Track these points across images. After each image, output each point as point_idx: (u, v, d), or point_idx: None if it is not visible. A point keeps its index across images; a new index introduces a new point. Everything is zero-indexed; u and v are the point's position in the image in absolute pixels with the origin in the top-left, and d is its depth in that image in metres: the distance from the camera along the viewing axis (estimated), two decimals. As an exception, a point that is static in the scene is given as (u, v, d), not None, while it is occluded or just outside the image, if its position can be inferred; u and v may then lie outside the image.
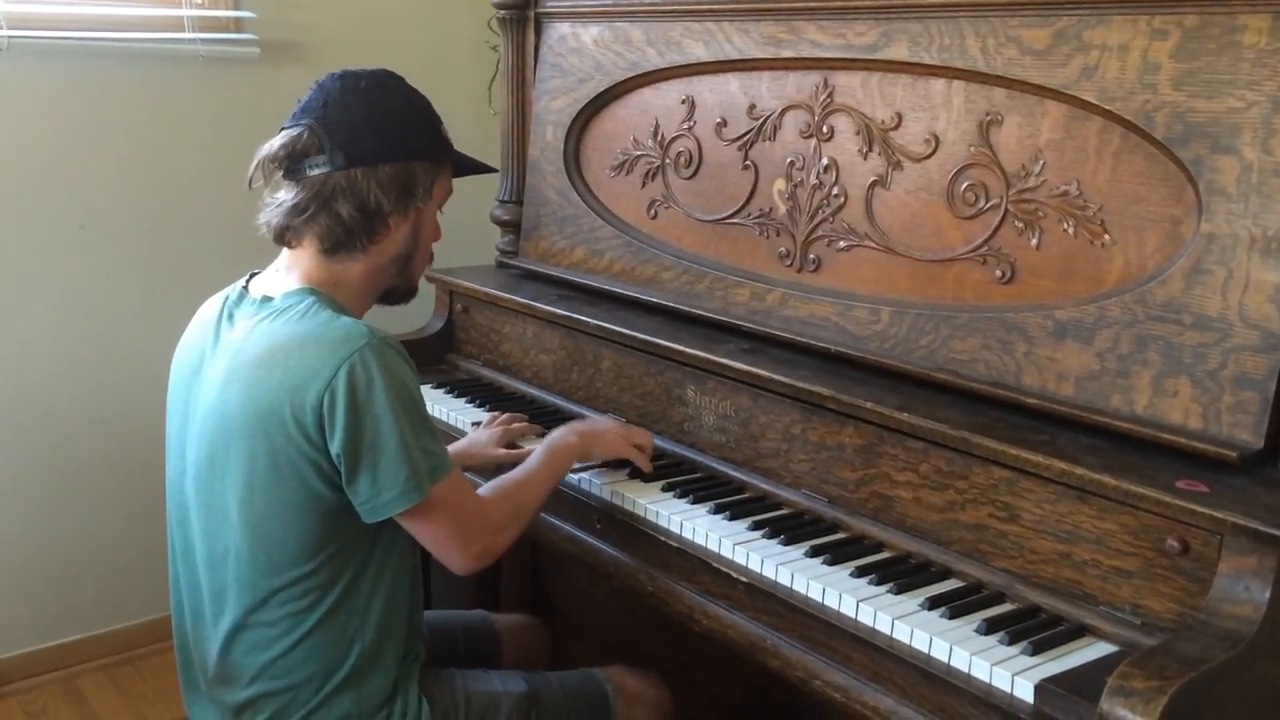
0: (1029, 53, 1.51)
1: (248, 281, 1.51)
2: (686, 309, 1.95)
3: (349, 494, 1.35)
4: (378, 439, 1.33)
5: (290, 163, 1.43)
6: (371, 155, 1.42)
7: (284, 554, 1.38)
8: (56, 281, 2.51)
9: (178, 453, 1.47)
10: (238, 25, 2.71)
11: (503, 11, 2.33)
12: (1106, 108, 1.43)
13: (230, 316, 1.45)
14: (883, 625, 1.33)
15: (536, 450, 1.64)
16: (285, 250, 1.48)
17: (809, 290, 1.81)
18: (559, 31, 2.27)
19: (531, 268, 2.30)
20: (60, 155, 2.48)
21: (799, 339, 1.75)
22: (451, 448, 1.86)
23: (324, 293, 1.44)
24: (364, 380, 1.32)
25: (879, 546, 1.52)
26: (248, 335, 1.40)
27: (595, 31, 2.19)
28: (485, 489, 1.53)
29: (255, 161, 1.44)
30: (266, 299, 1.44)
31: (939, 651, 1.27)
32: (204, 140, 2.63)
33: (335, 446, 1.32)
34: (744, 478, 1.73)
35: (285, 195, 1.45)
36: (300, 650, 1.40)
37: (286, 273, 1.46)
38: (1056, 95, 1.49)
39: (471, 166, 1.60)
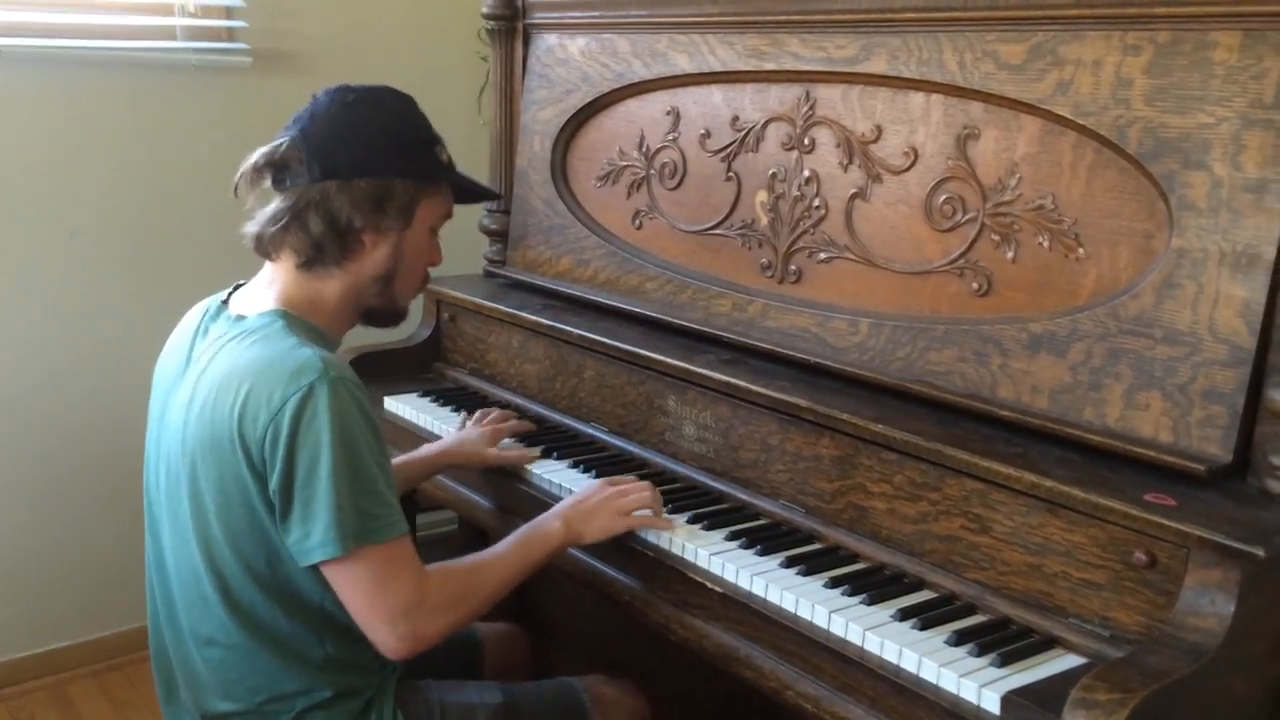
0: (1005, 67, 1.52)
1: (230, 294, 1.51)
2: (669, 319, 1.95)
3: (282, 534, 1.34)
4: (311, 480, 1.30)
5: (273, 173, 1.44)
6: (346, 169, 1.41)
7: (237, 579, 1.38)
8: (47, 289, 2.52)
9: (151, 464, 1.48)
10: (230, 34, 2.72)
11: (491, 23, 2.34)
12: (1081, 122, 1.44)
13: (205, 332, 1.45)
14: (853, 636, 1.33)
15: (513, 534, 1.54)
16: (267, 263, 1.48)
17: (790, 301, 1.81)
18: (547, 43, 2.29)
19: (518, 277, 2.31)
20: (52, 163, 2.49)
21: (779, 350, 1.76)
22: (439, 444, 1.87)
23: (297, 315, 1.42)
24: (308, 417, 1.29)
25: (854, 557, 1.53)
26: (215, 354, 1.39)
27: (582, 43, 2.20)
28: (436, 566, 1.43)
29: (239, 170, 1.45)
30: (240, 317, 1.43)
31: (908, 663, 1.27)
32: (196, 148, 2.65)
33: (273, 481, 1.31)
34: (723, 488, 1.74)
35: (269, 206, 1.45)
36: (267, 669, 1.40)
37: (266, 288, 1.46)
38: (1032, 110, 1.50)
39: (471, 190, 1.58)
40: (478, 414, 1.95)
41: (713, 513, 1.65)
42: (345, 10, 2.83)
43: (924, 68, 1.62)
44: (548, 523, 1.55)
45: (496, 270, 2.38)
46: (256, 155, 1.44)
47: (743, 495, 1.70)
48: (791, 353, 1.75)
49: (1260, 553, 1.14)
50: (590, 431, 1.98)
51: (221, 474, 1.34)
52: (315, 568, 1.35)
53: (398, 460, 1.82)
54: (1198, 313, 1.32)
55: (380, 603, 1.35)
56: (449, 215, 1.55)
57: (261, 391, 1.31)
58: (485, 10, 2.34)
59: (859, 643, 1.33)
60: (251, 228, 1.45)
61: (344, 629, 1.42)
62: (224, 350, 1.39)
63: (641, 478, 1.76)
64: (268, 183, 1.45)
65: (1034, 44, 1.49)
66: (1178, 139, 1.34)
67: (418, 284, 1.55)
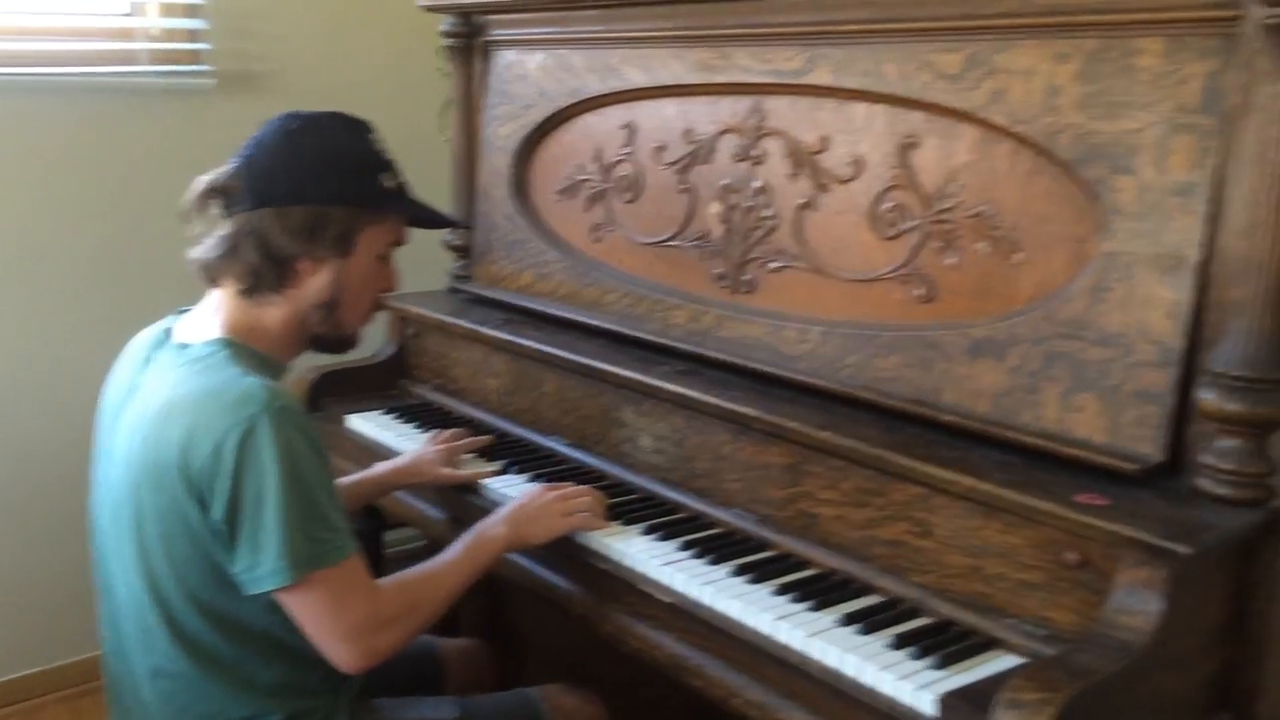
0: (943, 77, 1.54)
1: (177, 319, 1.52)
2: (628, 331, 1.97)
3: (228, 563, 1.34)
4: (259, 510, 1.30)
5: (219, 200, 1.46)
6: (282, 197, 1.41)
7: (181, 609, 1.38)
8: (4, 313, 2.52)
9: (97, 495, 1.48)
10: (194, 57, 2.74)
11: (450, 40, 2.36)
12: (1015, 130, 1.46)
13: (149, 360, 1.45)
14: (796, 642, 1.35)
15: (459, 540, 1.56)
16: (213, 290, 1.49)
17: (744, 311, 1.83)
18: (505, 59, 2.31)
19: (481, 292, 2.32)
20: (14, 189, 2.50)
21: (733, 360, 1.78)
22: (393, 463, 1.88)
23: (241, 343, 1.43)
24: (253, 448, 1.29)
25: (804, 564, 1.54)
26: (159, 383, 1.40)
27: (539, 59, 2.22)
28: (387, 579, 1.46)
29: (186, 196, 1.47)
30: (185, 345, 1.43)
31: (849, 667, 1.29)
32: (162, 171, 2.65)
33: (216, 512, 1.31)
34: (679, 498, 1.75)
35: (215, 233, 1.47)
36: (215, 696, 1.41)
37: (212, 314, 1.46)
38: (970, 118, 1.52)
39: (426, 216, 1.57)
40: (433, 433, 1.96)
41: (667, 523, 1.67)
42: (309, 31, 2.85)
43: (866, 78, 1.64)
44: (493, 527, 1.58)
45: (461, 286, 2.40)
46: (203, 181, 1.46)
47: (698, 505, 1.72)
48: (745, 362, 1.76)
49: (1185, 551, 1.15)
50: (551, 445, 1.99)
51: (165, 504, 1.34)
52: (264, 594, 1.36)
53: (350, 479, 1.83)
54: (1128, 315, 1.34)
55: (336, 624, 1.37)
56: (399, 242, 1.55)
57: (204, 422, 1.31)
58: (444, 28, 2.37)
59: (802, 649, 1.34)
60: (197, 254, 1.47)
61: (292, 653, 1.43)
62: (168, 379, 1.39)
63: (601, 489, 1.78)
64: (215, 209, 1.46)
65: (969, 54, 1.51)
66: (1106, 144, 1.37)
67: (366, 311, 1.55)
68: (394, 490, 1.90)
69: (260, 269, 1.42)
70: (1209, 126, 1.28)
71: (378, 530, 2.33)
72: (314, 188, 1.43)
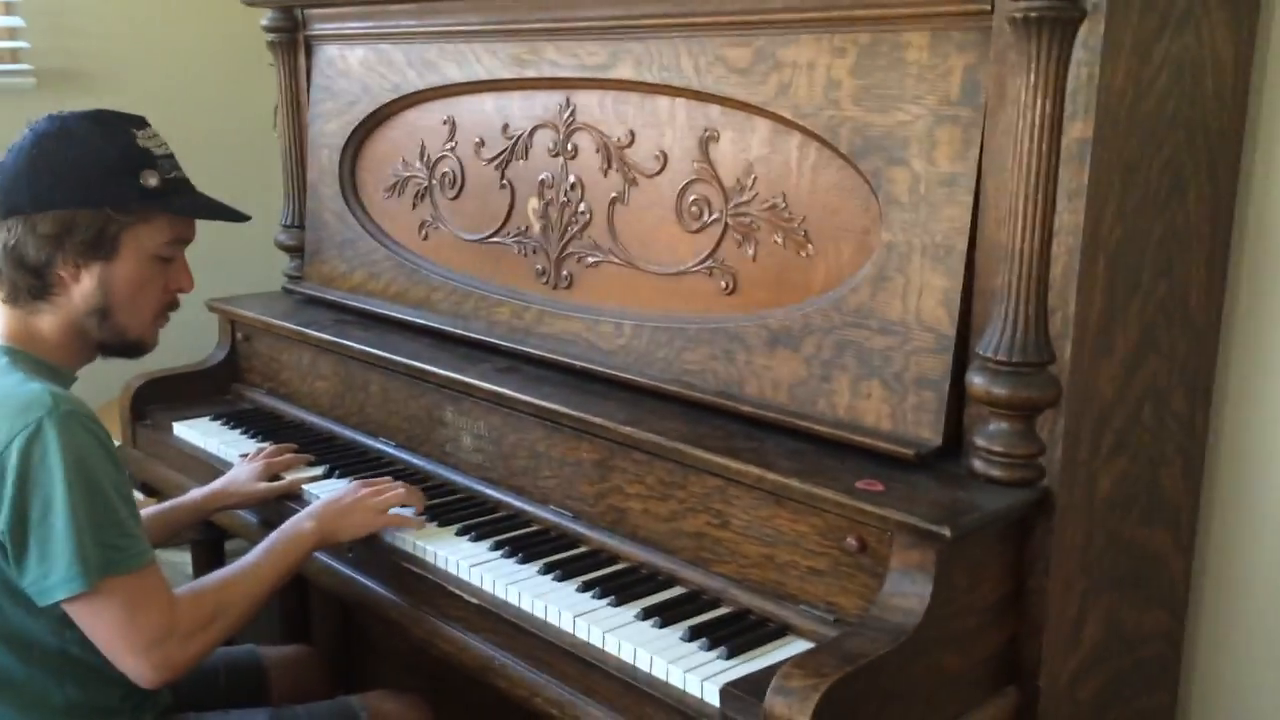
0: (735, 71, 1.55)
1: None
2: (454, 330, 1.96)
3: (16, 575, 1.30)
4: (47, 517, 1.27)
5: None
6: (28, 205, 1.37)
7: None
8: None
9: None
10: (13, 56, 2.63)
11: (272, 35, 2.30)
12: (801, 123, 1.48)
13: None
14: (594, 638, 1.35)
15: (265, 541, 1.53)
16: None
17: (563, 307, 1.83)
18: (328, 54, 2.26)
19: (314, 293, 2.28)
20: None
21: (551, 356, 1.77)
22: (208, 487, 1.84)
23: (22, 350, 1.39)
24: (38, 454, 1.26)
25: (614, 559, 1.55)
26: None
27: (361, 54, 2.18)
28: (185, 588, 1.41)
29: None
30: None
31: (641, 661, 1.30)
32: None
33: (1, 522, 1.27)
34: (500, 496, 1.74)
35: None
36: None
37: None
38: (761, 112, 1.54)
39: (201, 211, 1.51)
40: (254, 450, 1.91)
41: (483, 523, 1.66)
42: (132, 27, 2.76)
43: (665, 72, 1.64)
44: (299, 524, 1.56)
45: (294, 287, 2.35)
46: None
47: (517, 503, 1.71)
48: (563, 358, 1.76)
49: (946, 532, 1.18)
50: (379, 446, 1.97)
51: None
52: (56, 608, 1.31)
53: (163, 506, 1.79)
54: (906, 303, 1.38)
55: (130, 635, 1.33)
56: (182, 239, 1.50)
57: None
58: (265, 23, 2.31)
59: (599, 644, 1.35)
60: None
61: (87, 671, 1.38)
62: None
63: (425, 490, 1.77)
64: None
65: (757, 47, 1.52)
66: (881, 137, 1.39)
67: (151, 314, 1.49)
68: (212, 514, 1.85)
69: (16, 278, 1.39)
70: (970, 118, 1.31)
71: (219, 540, 2.27)
72: (58, 192, 1.38)
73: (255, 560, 1.50)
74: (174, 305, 1.55)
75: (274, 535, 1.55)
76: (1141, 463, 1.45)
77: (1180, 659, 1.65)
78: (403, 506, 1.65)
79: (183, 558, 2.48)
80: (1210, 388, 1.56)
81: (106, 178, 1.41)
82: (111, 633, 1.33)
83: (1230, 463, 1.59)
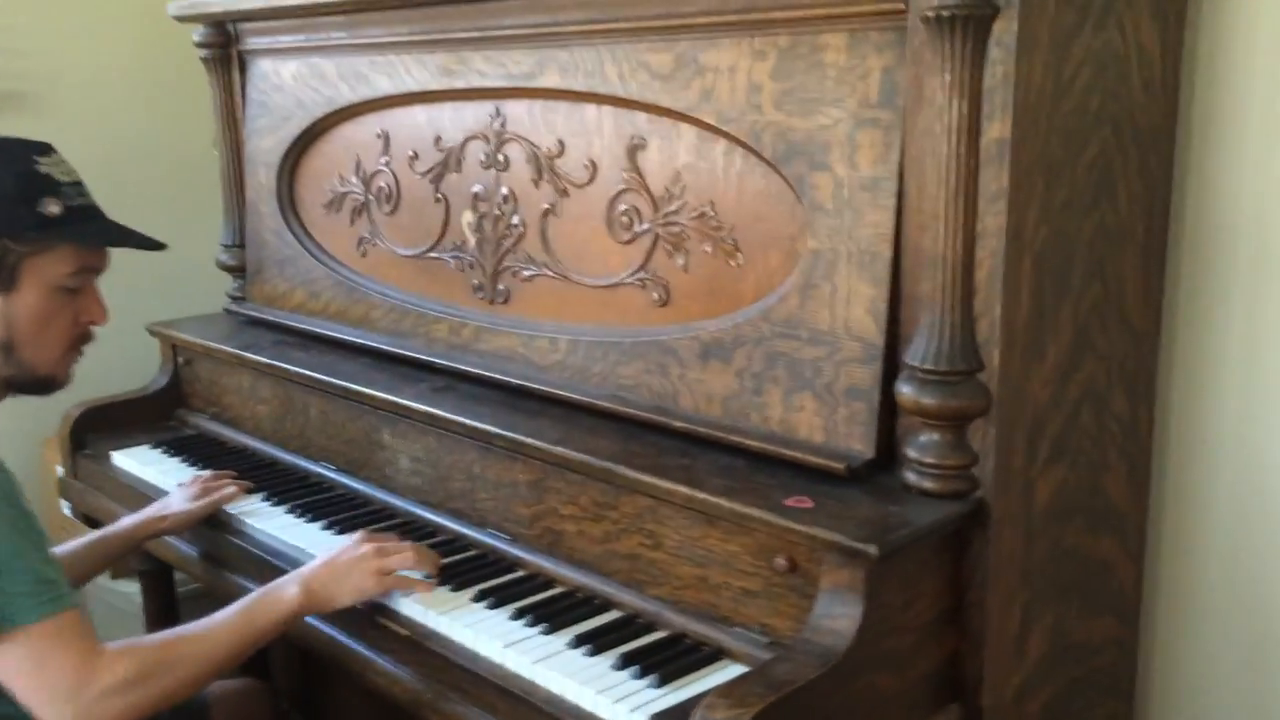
0: (658, 77, 1.51)
1: None
2: (392, 349, 1.91)
3: None
4: None
5: None
6: None
7: None
8: None
9: None
10: (-56, 78, 2.57)
11: (204, 51, 2.26)
12: (725, 129, 1.44)
13: None
14: (523, 670, 1.31)
15: (243, 599, 1.42)
16: None
17: (500, 322, 1.79)
18: (261, 69, 2.21)
19: (255, 314, 2.23)
20: None
21: (487, 374, 1.73)
22: (138, 515, 1.79)
23: None
24: None
25: (550, 583, 1.51)
26: None
27: (294, 67, 2.13)
28: (123, 642, 1.33)
29: None
30: None
31: (570, 693, 1.26)
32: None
33: None
34: (439, 520, 1.70)
35: None
36: None
37: None
38: (685, 118, 1.50)
39: (109, 239, 1.45)
40: (190, 478, 1.87)
41: (421, 549, 1.61)
42: (76, 47, 2.71)
43: (590, 79, 1.60)
44: (283, 587, 1.43)
45: (236, 308, 2.30)
46: None
47: (456, 527, 1.67)
48: (499, 376, 1.72)
49: (874, 551, 1.15)
50: (320, 471, 1.92)
51: None
52: None
53: (91, 537, 1.75)
54: (834, 312, 1.34)
55: (40, 684, 1.28)
56: (88, 269, 1.45)
57: None
58: (197, 39, 2.26)
59: (529, 676, 1.30)
60: None
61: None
62: None
63: (358, 517, 1.72)
64: None
65: (678, 52, 1.48)
66: (803, 141, 1.35)
67: (60, 348, 1.44)
68: (143, 543, 1.80)
69: None
70: (890, 120, 1.27)
71: (167, 569, 2.22)
72: None
73: (219, 620, 1.39)
74: (86, 338, 1.50)
75: (252, 596, 1.43)
76: (1082, 468, 1.41)
77: (1135, 666, 1.62)
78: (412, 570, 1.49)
79: (133, 588, 2.44)
80: (1153, 389, 1.52)
81: (1, 206, 1.36)
82: (22, 681, 1.28)
83: (1178, 464, 1.56)
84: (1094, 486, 1.45)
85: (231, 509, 1.80)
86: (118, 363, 2.55)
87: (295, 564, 1.60)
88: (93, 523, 2.16)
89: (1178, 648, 1.61)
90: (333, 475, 1.90)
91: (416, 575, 1.49)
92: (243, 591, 1.61)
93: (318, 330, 2.07)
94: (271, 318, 2.18)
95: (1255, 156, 1.43)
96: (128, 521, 1.77)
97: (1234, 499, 1.52)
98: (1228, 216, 1.47)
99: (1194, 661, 1.60)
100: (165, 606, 2.26)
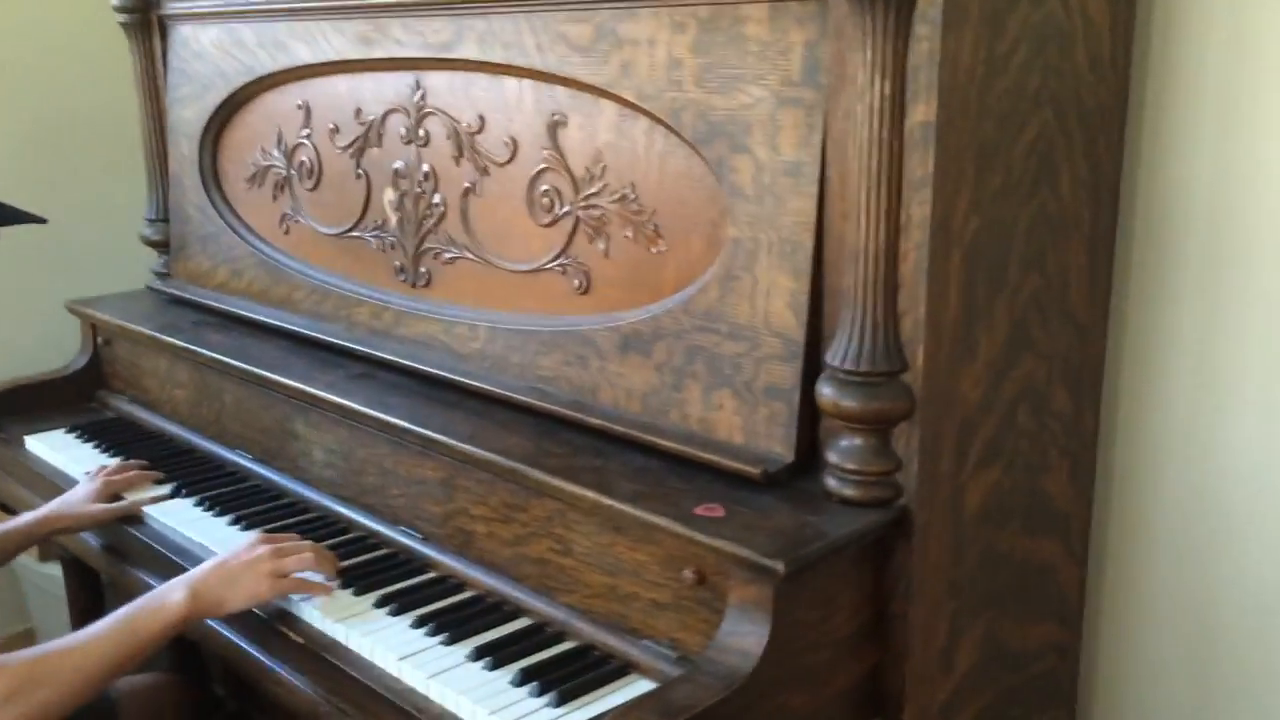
0: (576, 49, 1.41)
1: None
2: (311, 333, 1.82)
3: None
4: None
5: None
6: None
7: None
8: None
9: None
10: None
11: (123, 16, 2.14)
12: (644, 106, 1.34)
13: None
14: (417, 683, 1.23)
15: (124, 607, 1.32)
16: None
17: (421, 306, 1.69)
18: (182, 35, 2.10)
19: (178, 293, 2.13)
20: None
21: (406, 363, 1.64)
22: (39, 510, 1.70)
23: None
24: None
25: (460, 586, 1.43)
26: None
27: (214, 34, 2.02)
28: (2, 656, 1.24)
29: None
30: None
31: (464, 711, 1.18)
32: None
33: None
34: (352, 515, 1.61)
35: None
36: None
37: None
38: (606, 94, 1.40)
39: None
40: (96, 468, 1.77)
41: (333, 547, 1.52)
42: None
43: (509, 51, 1.50)
44: (168, 593, 1.33)
45: (160, 286, 2.20)
46: None
47: (369, 523, 1.58)
48: (417, 365, 1.63)
49: (780, 568, 1.06)
50: (235, 459, 1.83)
51: None
52: None
53: None
54: (755, 305, 1.25)
55: None
56: None
57: None
58: (115, 3, 2.14)
59: (423, 690, 1.23)
60: None
61: None
62: None
63: (268, 511, 1.64)
64: None
65: (598, 24, 1.38)
66: (724, 121, 1.26)
67: None
68: (44, 539, 1.71)
69: None
70: (812, 100, 1.18)
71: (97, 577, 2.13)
72: None
73: (98, 631, 1.30)
74: None
75: (134, 604, 1.33)
76: (1019, 470, 1.33)
77: (1077, 671, 1.55)
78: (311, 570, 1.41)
79: (56, 570, 2.35)
80: (1099, 385, 1.44)
81: None
82: None
83: (1125, 463, 1.48)
84: (1032, 488, 1.37)
85: (137, 497, 1.71)
86: (41, 341, 2.46)
87: (198, 560, 1.51)
88: (6, 509, 2.07)
89: (1123, 650, 1.54)
90: (248, 464, 1.81)
91: (316, 577, 1.40)
92: (146, 587, 1.53)
93: (239, 311, 1.97)
94: (194, 297, 2.09)
95: (1211, 138, 1.34)
96: (28, 517, 1.68)
97: (1183, 498, 1.45)
98: (1181, 203, 1.38)
99: (1139, 664, 1.54)
100: (89, 591, 2.18)
